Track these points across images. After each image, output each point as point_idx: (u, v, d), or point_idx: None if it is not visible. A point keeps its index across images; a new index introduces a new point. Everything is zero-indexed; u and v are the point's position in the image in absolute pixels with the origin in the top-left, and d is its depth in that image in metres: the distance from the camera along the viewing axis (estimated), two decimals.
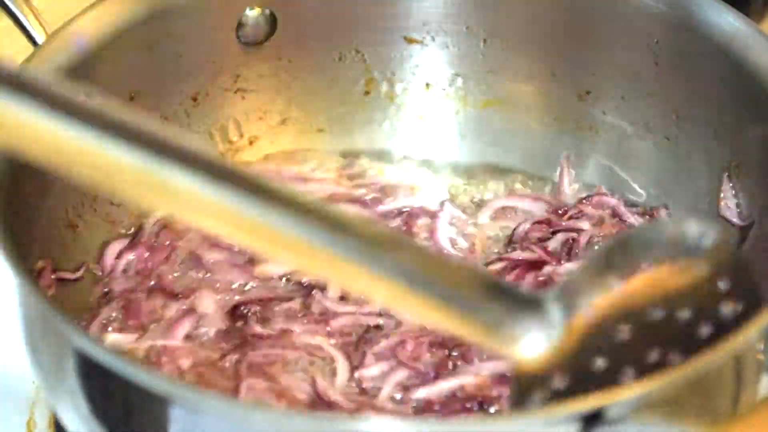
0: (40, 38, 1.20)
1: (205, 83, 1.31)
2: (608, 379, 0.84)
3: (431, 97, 1.38)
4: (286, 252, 0.74)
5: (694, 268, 0.83)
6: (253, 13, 1.30)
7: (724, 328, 0.86)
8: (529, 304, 0.79)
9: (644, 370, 0.84)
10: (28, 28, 1.20)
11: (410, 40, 1.36)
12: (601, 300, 0.80)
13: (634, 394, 0.86)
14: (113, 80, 1.21)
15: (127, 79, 1.23)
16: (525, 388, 0.82)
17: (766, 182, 1.18)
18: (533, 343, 0.79)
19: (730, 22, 1.20)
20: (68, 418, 1.00)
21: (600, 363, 0.85)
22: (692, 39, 1.23)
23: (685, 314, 0.85)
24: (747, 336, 0.94)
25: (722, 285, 0.84)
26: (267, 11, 1.30)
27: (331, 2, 1.33)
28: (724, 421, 0.89)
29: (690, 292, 0.84)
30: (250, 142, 1.35)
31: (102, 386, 0.93)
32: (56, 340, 0.96)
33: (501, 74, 1.36)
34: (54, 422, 1.15)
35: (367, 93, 1.37)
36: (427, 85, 1.38)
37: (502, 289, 0.79)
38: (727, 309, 0.86)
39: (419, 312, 0.78)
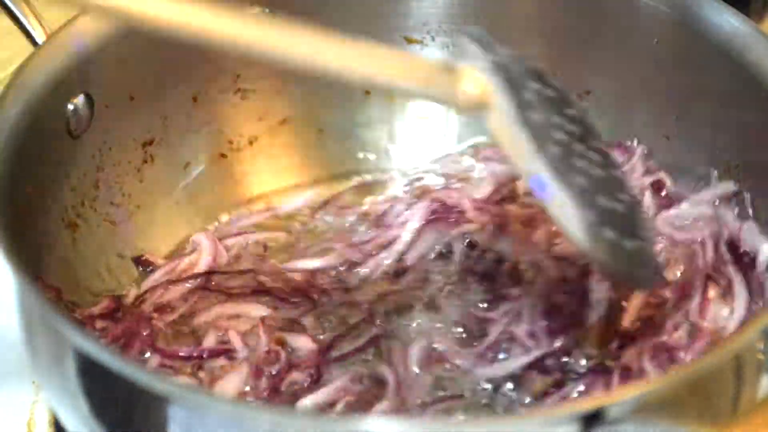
0: (40, 38, 1.20)
1: (205, 83, 1.31)
2: None
3: None
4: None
5: None
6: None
7: None
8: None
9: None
10: (28, 28, 1.20)
11: (410, 40, 1.36)
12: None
13: (634, 394, 0.86)
14: (113, 80, 1.21)
15: (127, 79, 1.23)
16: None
17: (766, 182, 1.18)
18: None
19: (730, 22, 1.20)
20: (68, 418, 1.00)
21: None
22: (692, 39, 1.23)
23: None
24: (747, 336, 0.94)
25: None
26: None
27: (331, 2, 1.33)
28: (724, 421, 0.89)
29: None
30: (250, 142, 1.35)
31: (101, 386, 0.93)
32: (56, 340, 0.96)
33: None
34: (54, 422, 1.15)
35: (367, 93, 1.37)
36: None
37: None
38: None
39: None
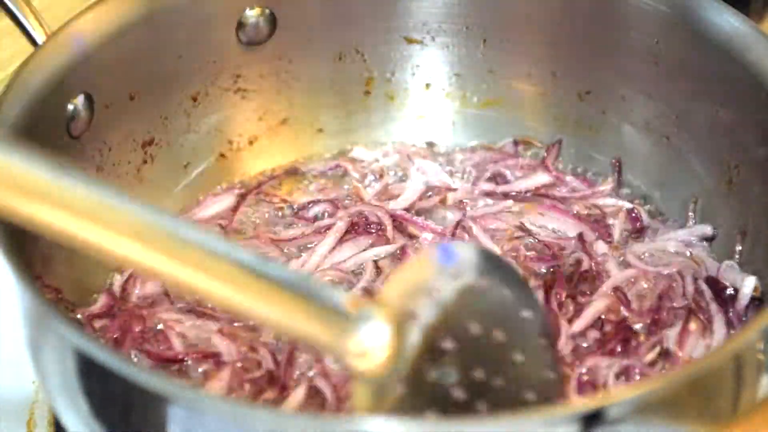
0: (40, 38, 1.20)
1: (205, 83, 1.31)
2: (441, 392, 0.90)
3: (431, 97, 1.38)
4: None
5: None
6: (253, 13, 1.30)
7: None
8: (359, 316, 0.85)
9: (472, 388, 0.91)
10: (28, 28, 1.20)
11: (410, 40, 1.36)
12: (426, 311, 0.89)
13: (635, 394, 0.86)
14: (113, 80, 1.21)
15: (127, 79, 1.23)
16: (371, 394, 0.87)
17: (766, 182, 1.18)
18: (369, 351, 0.85)
19: (730, 22, 1.20)
20: (68, 418, 1.00)
21: (433, 374, 0.90)
22: (692, 39, 1.23)
23: (498, 335, 0.94)
24: (747, 336, 0.94)
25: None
26: (267, 11, 1.30)
27: (331, 2, 1.33)
28: (724, 421, 0.89)
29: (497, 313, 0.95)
30: (250, 142, 1.35)
31: (101, 386, 0.93)
32: (56, 341, 0.96)
33: (501, 74, 1.36)
34: (54, 422, 1.15)
35: (367, 93, 1.37)
36: (427, 85, 1.38)
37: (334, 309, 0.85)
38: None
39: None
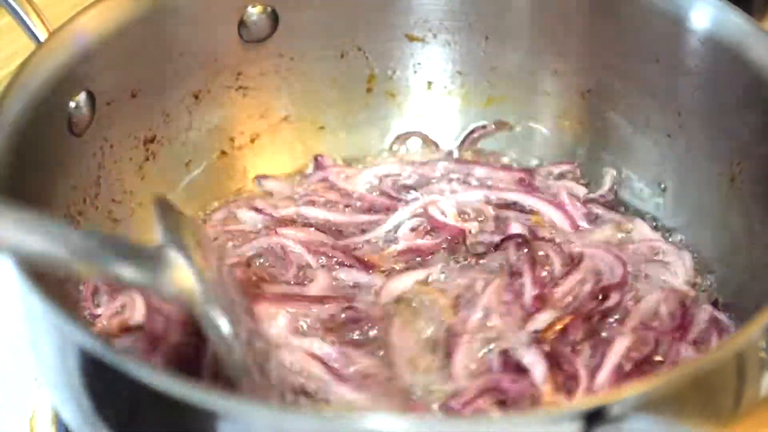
0: (42, 36, 1.20)
1: (206, 81, 1.31)
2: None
3: (433, 95, 1.38)
4: None
5: None
6: (255, 11, 1.30)
7: None
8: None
9: None
10: (30, 25, 1.20)
11: (412, 38, 1.36)
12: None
13: (637, 392, 0.86)
14: (115, 77, 1.21)
15: (130, 76, 1.23)
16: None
17: (766, 182, 1.18)
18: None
19: (731, 20, 1.20)
20: (70, 416, 1.00)
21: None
22: (693, 37, 1.23)
23: None
24: (749, 334, 0.94)
25: None
26: (269, 9, 1.30)
27: (333, 1, 1.33)
28: (726, 419, 0.89)
29: None
30: (252, 140, 1.35)
31: (104, 384, 0.93)
32: (59, 338, 0.96)
33: (503, 72, 1.36)
34: (56, 419, 1.15)
35: (369, 90, 1.37)
36: (429, 82, 1.38)
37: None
38: None
39: None
